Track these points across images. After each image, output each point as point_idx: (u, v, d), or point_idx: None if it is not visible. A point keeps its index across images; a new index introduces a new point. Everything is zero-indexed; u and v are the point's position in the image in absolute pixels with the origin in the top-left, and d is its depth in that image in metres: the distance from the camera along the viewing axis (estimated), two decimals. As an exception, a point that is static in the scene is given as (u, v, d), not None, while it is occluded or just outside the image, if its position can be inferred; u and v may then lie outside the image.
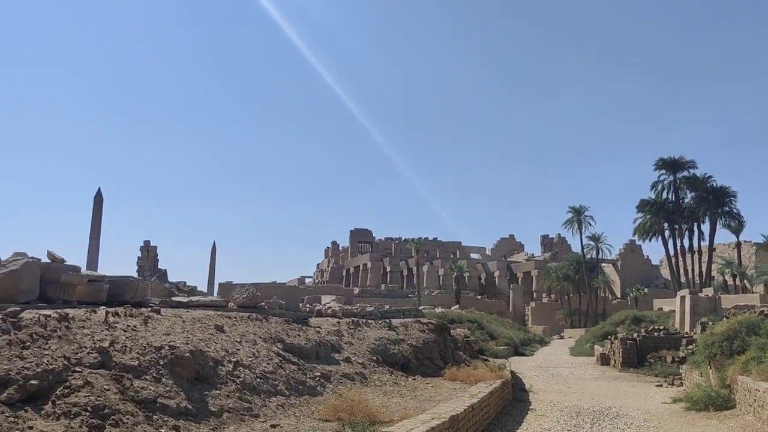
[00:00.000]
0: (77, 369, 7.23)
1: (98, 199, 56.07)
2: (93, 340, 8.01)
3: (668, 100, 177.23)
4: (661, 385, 22.09)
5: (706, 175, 63.14)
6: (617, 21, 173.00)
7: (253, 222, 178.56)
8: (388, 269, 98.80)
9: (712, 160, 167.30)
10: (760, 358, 13.38)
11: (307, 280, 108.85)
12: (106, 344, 7.89)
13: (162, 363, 8.05)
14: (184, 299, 14.32)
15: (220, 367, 8.98)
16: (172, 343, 8.52)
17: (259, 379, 9.40)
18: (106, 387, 7.06)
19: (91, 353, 7.67)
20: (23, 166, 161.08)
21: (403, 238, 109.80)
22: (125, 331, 8.73)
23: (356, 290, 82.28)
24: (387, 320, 18.90)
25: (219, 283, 19.35)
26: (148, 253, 76.83)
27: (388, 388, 12.45)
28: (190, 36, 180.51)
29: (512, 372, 23.85)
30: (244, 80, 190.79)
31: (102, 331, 8.43)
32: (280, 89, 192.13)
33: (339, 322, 16.72)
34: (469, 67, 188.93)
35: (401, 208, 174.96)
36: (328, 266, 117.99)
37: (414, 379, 14.65)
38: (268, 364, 10.20)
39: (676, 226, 62.95)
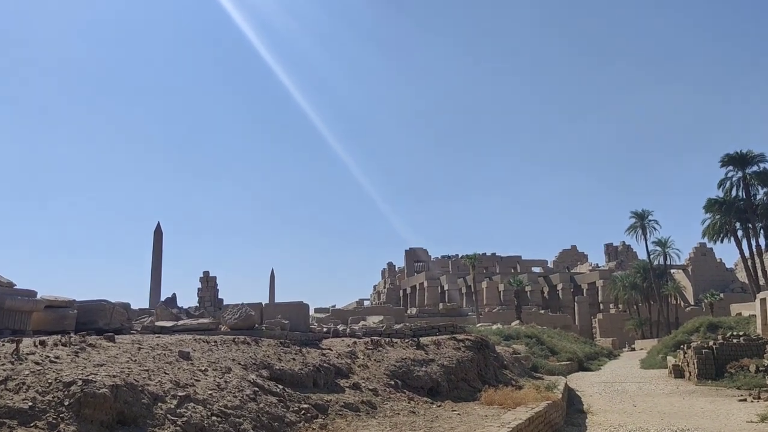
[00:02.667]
0: (-62, 418, 5.52)
1: (158, 233, 56.21)
2: (-19, 377, 6.31)
3: (728, 92, 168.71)
4: (745, 400, 19.11)
5: (778, 168, 58.42)
6: (666, 14, 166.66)
7: (312, 249, 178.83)
8: (446, 287, 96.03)
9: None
10: None
11: (365, 303, 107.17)
12: (-8, 382, 6.17)
13: (67, 403, 6.25)
14: (168, 324, 12.70)
15: (159, 404, 7.13)
16: (89, 377, 6.73)
17: (215, 417, 7.50)
18: (-32, 440, 5.31)
19: (-30, 395, 5.96)
20: (81, 205, 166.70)
21: (459, 255, 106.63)
22: (37, 364, 7.01)
23: (414, 310, 79.97)
24: (416, 338, 16.75)
25: (225, 305, 17.64)
26: (208, 284, 77.19)
27: (400, 419, 10.33)
28: (240, 73, 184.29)
29: (569, 390, 21.23)
30: (290, 111, 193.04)
31: (1, 366, 6.73)
32: (324, 115, 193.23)
33: (355, 343, 14.71)
34: (516, 76, 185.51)
35: (458, 225, 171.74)
36: (384, 287, 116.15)
37: (439, 406, 12.44)
38: (235, 396, 8.29)
39: (750, 225, 58.25)
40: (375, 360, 13.76)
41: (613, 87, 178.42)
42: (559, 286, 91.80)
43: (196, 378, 8.40)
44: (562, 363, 33.11)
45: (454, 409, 12.20)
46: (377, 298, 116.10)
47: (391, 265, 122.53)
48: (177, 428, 6.90)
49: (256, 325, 13.36)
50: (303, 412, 9.12)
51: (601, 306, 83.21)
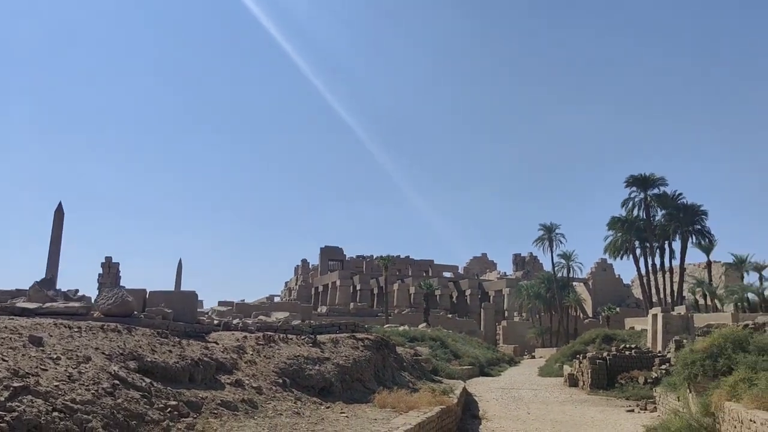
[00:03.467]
0: None
1: (59, 213, 52.76)
2: None
3: (638, 117, 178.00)
4: (633, 410, 19.56)
5: (677, 193, 61.89)
6: (587, 37, 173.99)
7: (223, 241, 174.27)
8: (358, 287, 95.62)
9: (684, 178, 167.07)
10: (752, 379, 10.78)
11: (275, 299, 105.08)
12: None
13: None
14: (32, 306, 11.42)
15: (-14, 396, 6.10)
16: None
17: (56, 413, 6.51)
18: None
19: None
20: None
21: (374, 256, 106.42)
22: None
23: (324, 309, 79.03)
24: (313, 336, 16.03)
25: (100, 289, 16.29)
26: (110, 270, 73.61)
27: (281, 421, 9.59)
28: (163, 53, 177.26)
29: (467, 395, 21.12)
30: (211, 99, 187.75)
31: None
32: (247, 108, 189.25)
33: (246, 337, 13.83)
34: (441, 94, 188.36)
35: (375, 226, 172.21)
36: (296, 284, 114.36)
37: (328, 408, 11.78)
38: (88, 389, 7.30)
39: (647, 244, 61.16)
40: (265, 356, 12.94)
41: (534, 106, 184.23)
42: (468, 292, 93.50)
43: (43, 367, 7.35)
44: (463, 367, 33.27)
45: (343, 411, 11.57)
46: (288, 295, 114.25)
47: (305, 262, 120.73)
48: (4, 424, 5.89)
49: (135, 313, 12.25)
50: (170, 409, 8.21)
51: (506, 313, 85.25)
